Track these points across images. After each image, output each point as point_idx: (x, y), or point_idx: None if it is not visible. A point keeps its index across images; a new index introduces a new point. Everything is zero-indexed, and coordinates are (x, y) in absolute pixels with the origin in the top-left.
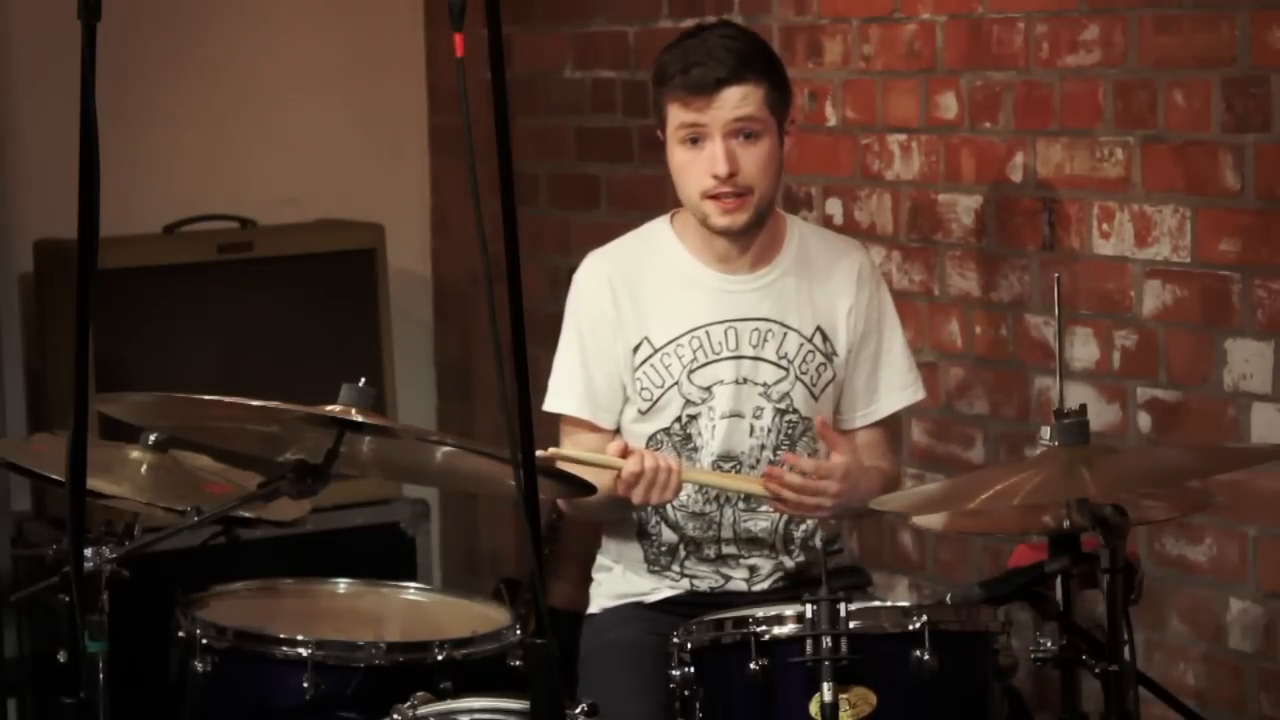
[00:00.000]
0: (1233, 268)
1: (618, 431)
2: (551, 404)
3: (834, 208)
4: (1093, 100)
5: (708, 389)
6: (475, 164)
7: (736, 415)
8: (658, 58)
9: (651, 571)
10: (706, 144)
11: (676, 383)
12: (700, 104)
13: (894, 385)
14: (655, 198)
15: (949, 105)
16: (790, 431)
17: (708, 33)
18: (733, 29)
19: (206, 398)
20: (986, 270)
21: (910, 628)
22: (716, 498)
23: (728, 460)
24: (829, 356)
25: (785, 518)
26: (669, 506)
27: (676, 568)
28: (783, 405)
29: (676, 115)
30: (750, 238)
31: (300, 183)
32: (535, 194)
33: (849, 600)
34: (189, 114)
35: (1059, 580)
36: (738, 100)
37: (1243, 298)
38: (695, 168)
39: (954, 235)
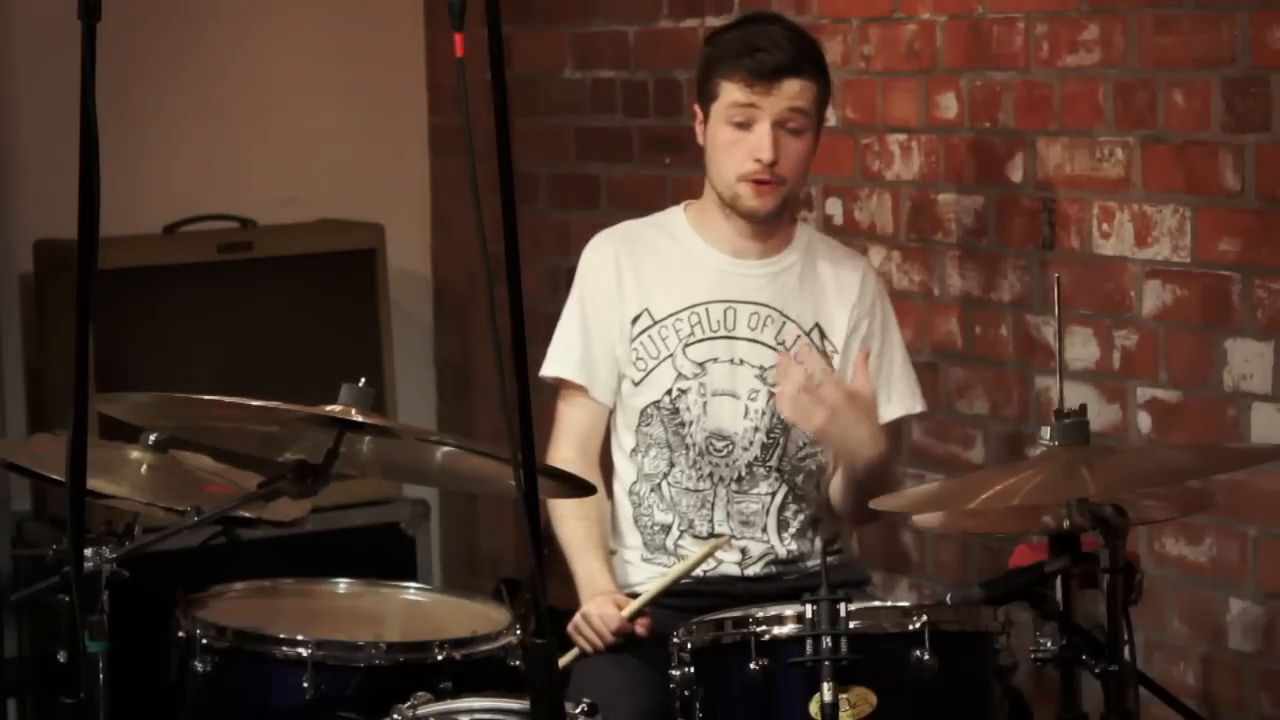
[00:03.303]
0: (1233, 268)
1: (613, 411)
2: (549, 368)
3: (834, 208)
4: (1093, 100)
5: (700, 365)
6: (475, 164)
7: (730, 395)
8: (711, 40)
9: (645, 560)
10: (754, 128)
11: (671, 355)
12: (760, 88)
13: (894, 394)
14: (655, 198)
15: (949, 105)
16: (783, 417)
17: (767, 23)
18: (790, 23)
19: (206, 398)
20: (986, 270)
21: (910, 628)
22: (710, 475)
23: (720, 439)
24: (825, 355)
25: (777, 502)
26: (664, 483)
27: (670, 547)
28: (776, 390)
29: (731, 94)
30: (766, 229)
31: (300, 183)
32: (535, 194)
33: (849, 600)
34: (189, 114)
35: (1059, 580)
36: (795, 92)
37: (1243, 298)
38: (739, 149)
39: (954, 235)
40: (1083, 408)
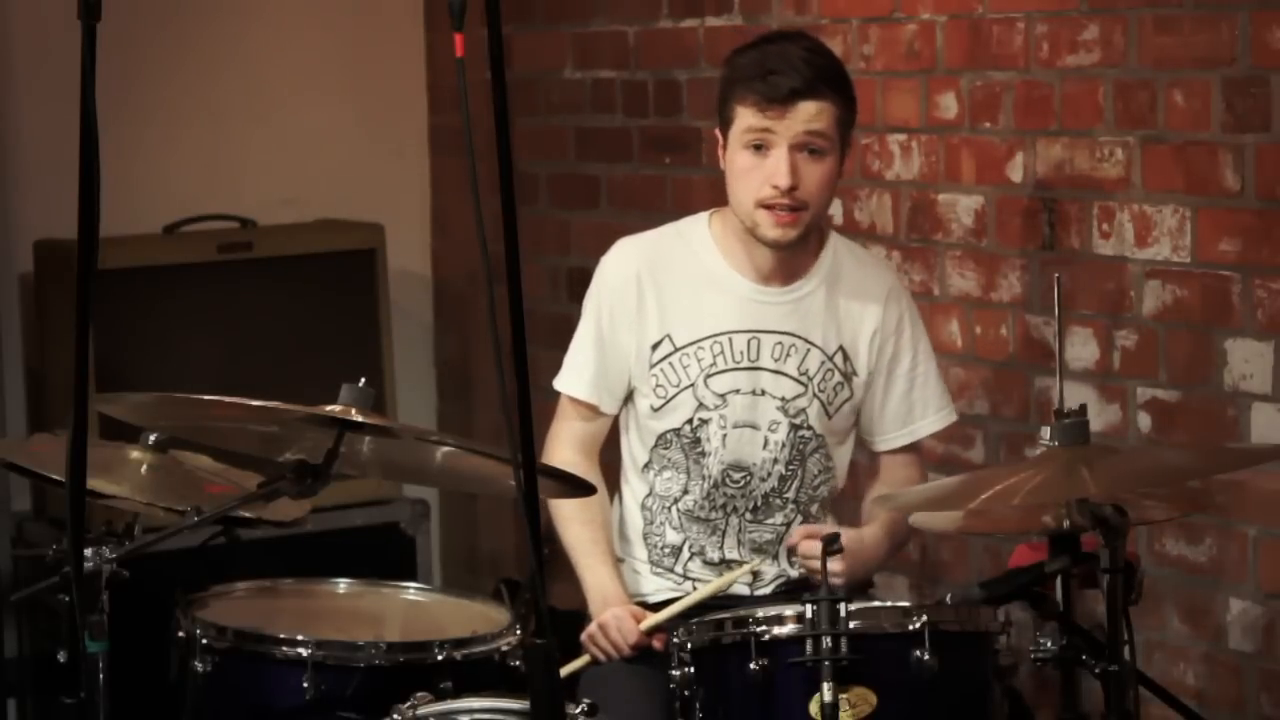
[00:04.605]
0: (1233, 268)
1: (617, 418)
2: (563, 385)
3: (834, 207)
4: (1093, 100)
5: (722, 396)
6: (475, 164)
7: (750, 426)
8: (730, 58)
9: (655, 574)
10: (771, 152)
11: (692, 384)
12: (774, 113)
13: (929, 408)
14: (655, 198)
15: (949, 105)
16: (802, 447)
17: (786, 42)
18: (812, 42)
19: (206, 398)
20: (986, 270)
21: (910, 628)
22: (723, 505)
23: (738, 470)
24: (848, 376)
25: (790, 530)
26: (674, 510)
27: (679, 569)
28: (798, 420)
29: (746, 119)
30: (790, 251)
31: (300, 183)
32: (535, 194)
33: (849, 600)
34: (189, 114)
35: (1059, 580)
36: (811, 114)
37: (1243, 298)
38: (756, 175)
39: (954, 235)
40: (1083, 408)
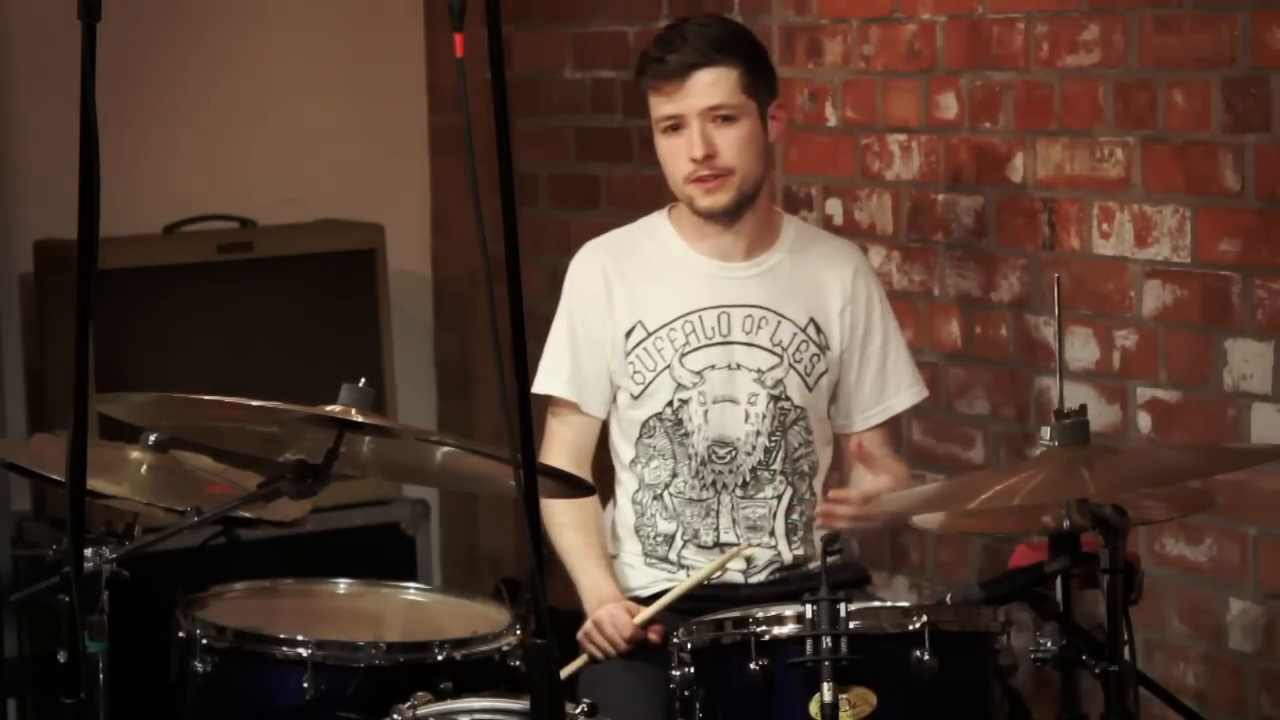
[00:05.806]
0: (1233, 268)
1: (606, 421)
2: (540, 386)
3: (834, 208)
4: (1093, 100)
5: (698, 373)
6: (475, 164)
7: (730, 400)
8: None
9: (648, 565)
10: (684, 131)
11: (668, 366)
12: (672, 89)
13: (901, 384)
14: (655, 198)
15: (949, 105)
16: (783, 419)
17: (682, 23)
18: (710, 17)
19: (206, 398)
20: (986, 270)
21: (910, 628)
22: (712, 483)
23: (723, 446)
24: (822, 349)
25: (784, 504)
26: (665, 496)
27: (673, 557)
28: (776, 392)
29: (656, 107)
30: (741, 223)
31: (300, 183)
32: (535, 194)
33: (849, 600)
34: (189, 114)
35: (1059, 580)
36: (708, 84)
37: (1243, 298)
38: (676, 154)
39: (954, 235)
40: (1083, 408)
